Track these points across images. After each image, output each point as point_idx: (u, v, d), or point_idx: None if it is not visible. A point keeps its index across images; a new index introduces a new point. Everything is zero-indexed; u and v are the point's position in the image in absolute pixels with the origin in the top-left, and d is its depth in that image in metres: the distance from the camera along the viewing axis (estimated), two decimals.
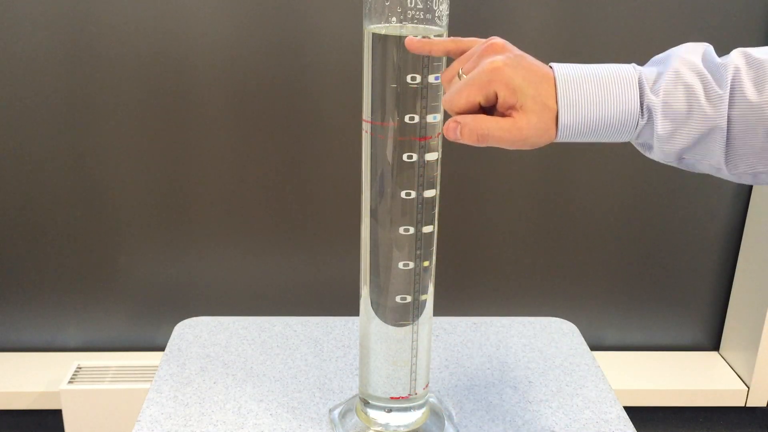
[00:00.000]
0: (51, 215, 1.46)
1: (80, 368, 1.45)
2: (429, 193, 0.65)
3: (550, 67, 0.56)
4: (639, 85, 0.54)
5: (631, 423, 0.78)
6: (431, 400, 0.78)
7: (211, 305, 1.54)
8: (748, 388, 1.56)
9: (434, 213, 0.67)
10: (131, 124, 1.41)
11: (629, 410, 0.81)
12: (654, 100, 0.53)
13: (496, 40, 0.57)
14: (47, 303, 1.53)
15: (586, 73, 0.54)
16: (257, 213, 1.49)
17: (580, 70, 0.55)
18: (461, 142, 0.56)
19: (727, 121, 0.52)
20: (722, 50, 0.54)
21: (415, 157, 0.64)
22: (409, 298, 0.68)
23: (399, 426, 0.73)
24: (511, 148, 0.56)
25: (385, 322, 0.69)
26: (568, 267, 1.58)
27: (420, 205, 0.65)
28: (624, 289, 1.61)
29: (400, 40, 0.60)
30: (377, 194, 0.66)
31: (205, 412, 0.77)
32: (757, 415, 1.64)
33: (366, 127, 0.65)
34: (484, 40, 0.58)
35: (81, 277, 1.51)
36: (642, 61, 0.57)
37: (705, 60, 0.54)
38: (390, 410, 0.73)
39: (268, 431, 0.75)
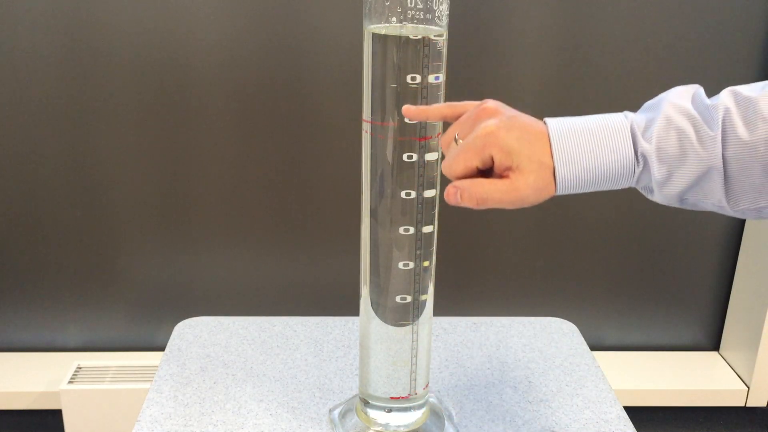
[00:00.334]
0: (51, 215, 1.46)
1: (80, 368, 1.45)
2: (429, 193, 0.66)
3: (544, 122, 0.57)
4: (631, 134, 0.55)
5: (631, 423, 0.78)
6: (431, 400, 0.78)
7: (211, 305, 1.54)
8: (748, 388, 1.56)
9: (434, 213, 0.67)
10: (131, 124, 1.41)
11: (629, 410, 0.81)
12: (647, 147, 0.54)
13: (489, 103, 0.58)
14: (47, 303, 1.53)
15: (578, 127, 0.55)
16: (257, 213, 1.49)
17: (572, 123, 0.56)
18: (462, 206, 0.57)
19: (723, 161, 0.52)
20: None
21: (415, 157, 0.64)
22: (409, 298, 0.68)
23: (399, 426, 0.73)
24: (511, 208, 0.57)
25: (385, 322, 0.69)
26: (568, 267, 1.58)
27: (420, 205, 0.65)
28: (624, 289, 1.61)
29: (400, 40, 0.61)
30: (377, 194, 0.66)
31: (205, 412, 0.77)
32: (757, 415, 1.64)
33: (366, 127, 0.65)
34: (478, 102, 0.59)
35: (81, 277, 1.51)
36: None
37: (695, 103, 0.55)
38: (390, 410, 0.73)
39: (268, 431, 0.75)
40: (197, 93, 1.40)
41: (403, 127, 0.63)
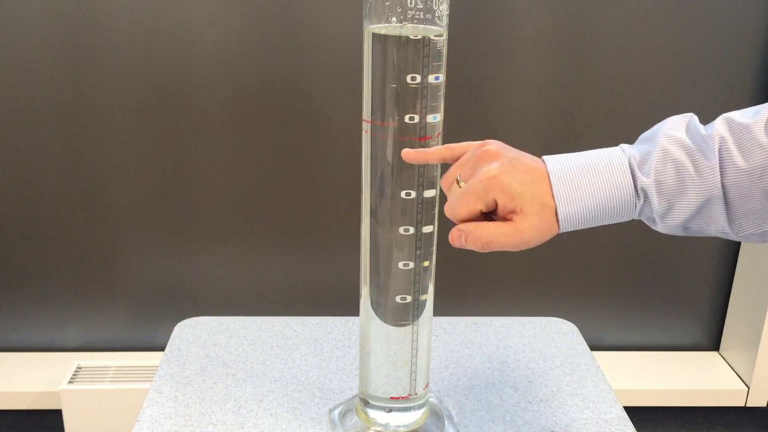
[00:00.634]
0: (51, 215, 1.46)
1: (80, 368, 1.45)
2: (429, 193, 0.65)
3: (543, 161, 0.57)
4: (630, 169, 0.55)
5: (631, 423, 0.78)
6: (431, 400, 0.78)
7: (211, 305, 1.54)
8: (748, 388, 1.56)
9: (434, 213, 0.67)
10: (131, 124, 1.41)
11: (629, 410, 0.81)
12: (646, 181, 0.55)
13: (491, 145, 0.59)
14: (47, 303, 1.53)
15: (577, 165, 0.56)
16: (257, 213, 1.48)
17: (571, 161, 0.57)
18: (467, 248, 0.58)
19: (723, 189, 0.53)
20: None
21: (417, 164, 0.64)
22: (409, 298, 0.68)
23: (399, 426, 0.73)
24: (515, 250, 0.57)
25: (385, 322, 0.69)
26: (568, 267, 1.58)
27: (420, 205, 0.65)
28: (624, 289, 1.61)
29: (400, 40, 0.60)
30: (377, 194, 0.66)
31: (205, 412, 0.77)
32: (757, 415, 1.64)
33: (366, 127, 0.65)
34: (478, 143, 0.60)
35: (81, 277, 1.51)
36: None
37: (690, 133, 0.55)
38: (390, 410, 0.73)
39: (268, 431, 0.75)
40: (197, 93, 1.40)
41: (403, 127, 0.63)
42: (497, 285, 1.58)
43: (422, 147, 0.63)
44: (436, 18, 0.61)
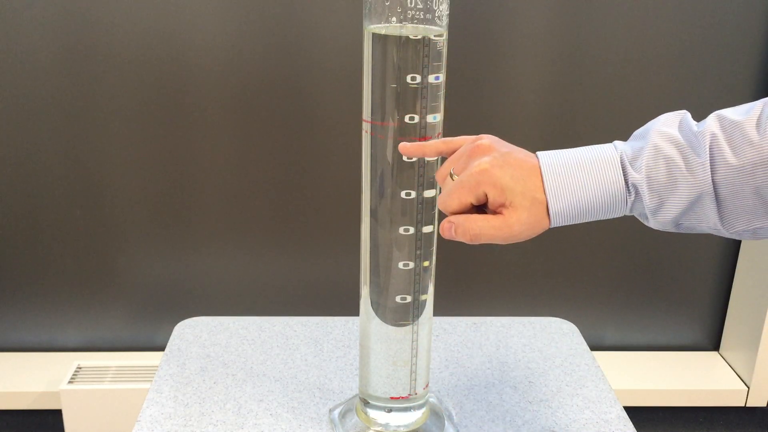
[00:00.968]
0: (51, 215, 1.46)
1: (80, 368, 1.45)
2: (429, 193, 0.66)
3: (536, 156, 0.58)
4: (621, 165, 0.56)
5: (631, 423, 0.78)
6: (431, 400, 0.78)
7: (211, 305, 1.54)
8: (748, 388, 1.56)
9: (434, 213, 0.67)
10: (131, 124, 1.41)
11: (629, 410, 0.81)
12: (637, 177, 0.55)
13: (484, 140, 0.59)
14: (47, 303, 1.53)
15: (570, 160, 0.57)
16: (257, 213, 1.49)
17: (564, 156, 0.57)
18: (456, 240, 0.59)
19: (713, 186, 0.53)
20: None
21: (414, 157, 0.64)
22: (409, 298, 0.68)
23: (399, 426, 0.73)
24: (504, 243, 0.58)
25: (385, 322, 0.69)
26: (568, 267, 1.58)
27: (420, 205, 0.65)
28: (624, 289, 1.61)
29: (400, 40, 0.61)
30: (377, 194, 0.66)
31: (205, 412, 0.77)
32: (757, 415, 1.64)
33: (366, 127, 0.65)
34: (473, 138, 0.60)
35: (81, 277, 1.51)
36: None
37: (682, 130, 0.55)
38: (390, 410, 0.73)
39: (268, 431, 0.75)
40: (197, 93, 1.40)
41: (403, 127, 0.63)
42: (497, 285, 1.58)
43: None
44: (436, 18, 0.61)
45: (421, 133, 0.63)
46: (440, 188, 0.62)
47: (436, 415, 0.76)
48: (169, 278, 1.52)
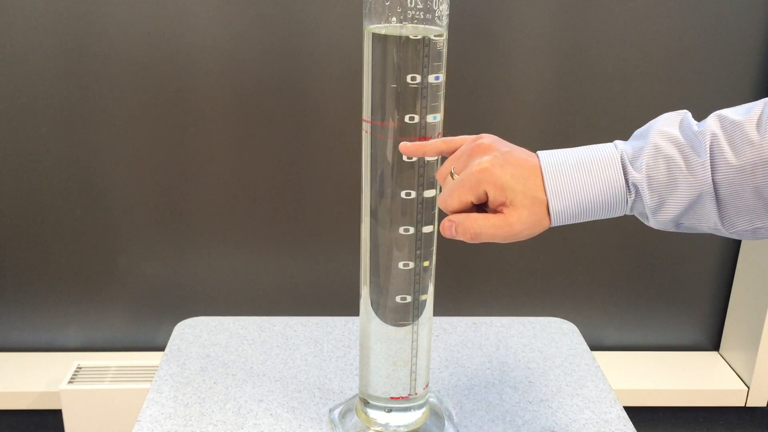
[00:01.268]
0: (51, 215, 1.46)
1: (80, 368, 1.45)
2: (429, 193, 0.66)
3: (537, 156, 0.58)
4: (622, 164, 0.56)
5: (631, 423, 0.78)
6: (431, 400, 0.78)
7: (211, 305, 1.54)
8: (748, 388, 1.56)
9: (434, 213, 0.67)
10: (131, 124, 1.41)
11: (629, 410, 0.81)
12: (637, 176, 0.55)
13: (485, 139, 0.59)
14: (47, 303, 1.53)
15: (570, 159, 0.57)
16: (257, 213, 1.49)
17: (564, 156, 0.57)
18: (457, 239, 0.59)
19: (714, 186, 0.53)
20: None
21: (415, 157, 0.64)
22: (409, 298, 0.68)
23: (399, 426, 0.73)
24: (505, 242, 0.58)
25: (385, 322, 0.69)
26: (568, 267, 1.58)
27: (420, 205, 0.65)
28: (624, 289, 1.61)
29: (400, 40, 0.61)
30: (377, 194, 0.66)
31: (205, 412, 0.77)
32: (757, 415, 1.64)
33: (366, 127, 0.65)
34: (473, 137, 0.60)
35: (81, 277, 1.51)
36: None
37: (683, 129, 0.55)
38: (390, 410, 0.73)
39: (268, 431, 0.75)
40: (197, 93, 1.40)
41: (403, 127, 0.63)
42: (497, 285, 1.58)
43: None
44: (436, 18, 0.61)
45: (421, 133, 0.63)
46: (440, 187, 0.62)
47: (436, 415, 0.76)
48: (169, 278, 1.52)
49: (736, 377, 1.60)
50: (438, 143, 0.62)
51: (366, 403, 0.74)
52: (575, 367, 0.88)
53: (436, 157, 0.65)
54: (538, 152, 0.58)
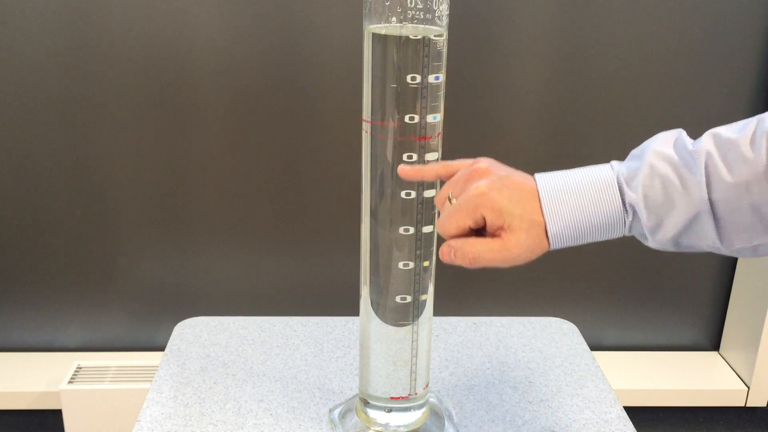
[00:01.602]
0: (51, 215, 1.46)
1: (80, 368, 1.45)
2: (429, 193, 0.66)
3: (534, 178, 0.58)
4: (618, 185, 0.56)
5: (631, 423, 0.78)
6: (431, 400, 0.78)
7: (211, 305, 1.54)
8: (748, 388, 1.56)
9: (434, 213, 0.67)
10: (131, 124, 1.41)
11: (629, 410, 0.81)
12: (634, 197, 0.55)
13: (482, 163, 0.60)
14: (47, 303, 1.53)
15: (567, 182, 0.57)
16: (257, 213, 1.48)
17: (561, 178, 0.57)
18: (456, 264, 0.60)
19: (711, 204, 0.53)
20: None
21: (415, 157, 0.64)
22: (409, 298, 0.68)
23: (399, 426, 0.73)
24: (504, 266, 0.59)
25: (385, 322, 0.69)
26: (568, 267, 1.58)
27: (420, 205, 0.65)
28: (624, 289, 1.61)
29: (400, 40, 0.61)
30: (377, 194, 0.66)
31: (205, 412, 0.77)
32: (757, 415, 1.64)
33: (366, 127, 0.65)
34: (471, 161, 0.61)
35: (81, 277, 1.51)
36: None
37: (677, 148, 0.55)
38: (390, 410, 0.73)
39: (268, 431, 0.75)
40: (197, 93, 1.40)
41: (403, 127, 0.63)
42: (497, 285, 1.58)
43: (422, 147, 0.63)
44: (436, 18, 0.61)
45: (421, 133, 0.63)
46: (439, 212, 0.62)
47: (436, 415, 0.76)
48: (169, 278, 1.52)
49: (736, 377, 1.60)
50: (436, 167, 0.62)
51: (366, 403, 0.74)
52: (575, 367, 0.88)
53: (436, 158, 0.65)
54: (536, 175, 0.58)
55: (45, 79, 1.37)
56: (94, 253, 1.49)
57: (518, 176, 0.58)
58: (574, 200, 0.56)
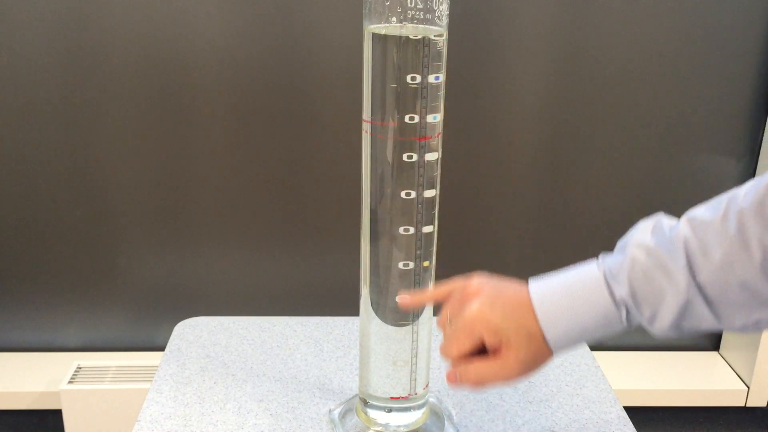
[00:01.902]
0: (51, 215, 1.46)
1: (80, 368, 1.45)
2: (429, 193, 0.65)
3: (527, 286, 0.59)
4: (606, 284, 0.56)
5: (631, 423, 0.78)
6: (431, 400, 0.78)
7: (211, 305, 1.54)
8: (748, 388, 1.56)
9: (434, 213, 0.67)
10: (131, 124, 1.41)
11: (629, 410, 0.81)
12: (623, 292, 0.55)
13: (473, 282, 0.61)
14: (47, 303, 1.53)
15: (557, 287, 0.58)
16: (257, 213, 1.49)
17: (552, 285, 0.58)
18: (464, 387, 0.60)
19: (699, 288, 0.53)
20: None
21: (415, 157, 0.64)
22: None
23: (399, 426, 0.73)
24: (510, 385, 0.59)
25: (385, 322, 0.69)
26: (568, 267, 1.57)
27: (420, 205, 0.65)
28: None
29: (400, 40, 0.61)
30: (377, 194, 0.66)
31: (205, 412, 0.77)
32: (757, 415, 1.64)
33: (366, 127, 0.65)
34: (463, 282, 0.62)
35: (81, 277, 1.51)
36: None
37: (657, 236, 0.55)
38: (390, 410, 0.73)
39: (268, 431, 0.75)
40: (197, 93, 1.40)
41: (403, 127, 0.63)
42: None
43: (422, 147, 0.63)
44: (436, 18, 0.61)
45: (421, 133, 0.63)
46: (441, 332, 0.63)
47: (436, 415, 0.76)
48: (169, 278, 1.52)
49: (736, 377, 1.60)
50: (433, 293, 0.65)
51: (366, 403, 0.74)
52: (575, 367, 0.88)
53: (436, 158, 0.65)
54: (529, 282, 0.59)
55: (45, 80, 1.37)
56: (94, 253, 1.49)
57: (510, 289, 0.59)
58: (567, 305, 0.57)
